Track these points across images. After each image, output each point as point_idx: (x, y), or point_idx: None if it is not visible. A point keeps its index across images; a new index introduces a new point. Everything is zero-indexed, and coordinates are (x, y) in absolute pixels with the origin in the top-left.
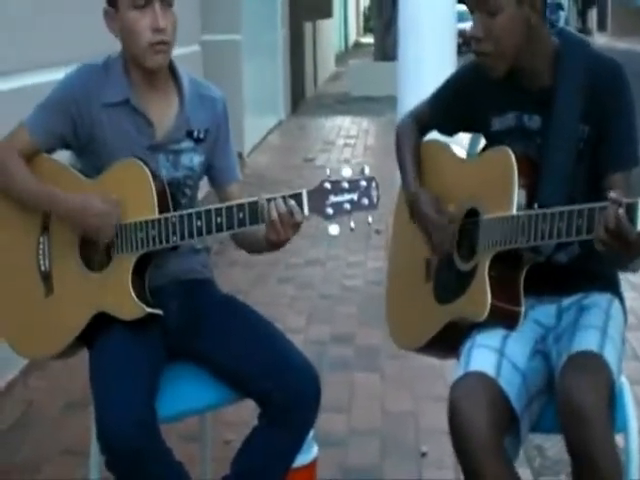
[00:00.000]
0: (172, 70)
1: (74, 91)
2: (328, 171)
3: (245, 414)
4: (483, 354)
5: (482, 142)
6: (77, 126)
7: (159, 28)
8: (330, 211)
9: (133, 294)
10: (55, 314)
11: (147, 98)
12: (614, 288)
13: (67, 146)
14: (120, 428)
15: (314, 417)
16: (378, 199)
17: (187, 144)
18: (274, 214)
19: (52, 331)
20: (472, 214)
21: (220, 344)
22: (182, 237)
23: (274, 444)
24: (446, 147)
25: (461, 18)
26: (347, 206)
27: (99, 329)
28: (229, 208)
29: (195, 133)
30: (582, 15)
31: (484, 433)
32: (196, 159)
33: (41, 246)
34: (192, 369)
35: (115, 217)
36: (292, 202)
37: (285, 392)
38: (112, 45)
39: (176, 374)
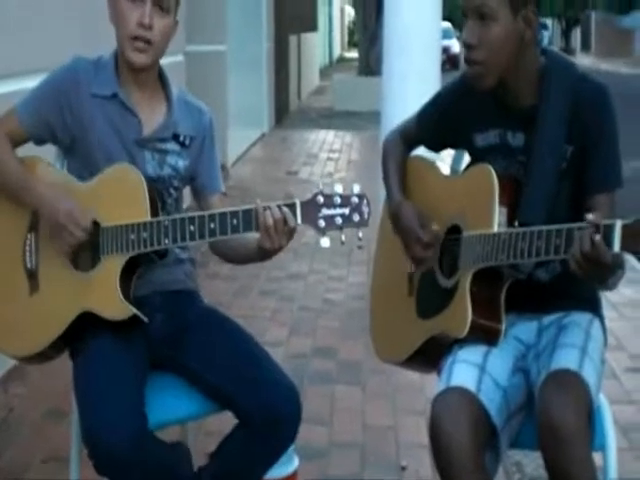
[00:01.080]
0: (161, 77)
1: (65, 81)
2: (321, 185)
3: (227, 424)
4: (464, 369)
5: (466, 159)
6: (65, 113)
7: (144, 23)
8: (322, 223)
9: (120, 294)
10: (39, 312)
11: (135, 96)
12: (595, 308)
13: (55, 137)
14: (115, 439)
15: (293, 435)
16: (369, 216)
17: (173, 146)
18: (270, 221)
19: (35, 329)
20: (454, 231)
21: (203, 357)
22: (174, 240)
23: (251, 455)
24: (430, 164)
25: (445, 35)
26: (339, 220)
27: (83, 334)
28: (223, 214)
29: (181, 137)
30: (566, 35)
31: (465, 448)
32: (181, 162)
33: (28, 243)
34: (174, 379)
35: (87, 223)
36: (286, 209)
37: (265, 411)
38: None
39: (158, 384)
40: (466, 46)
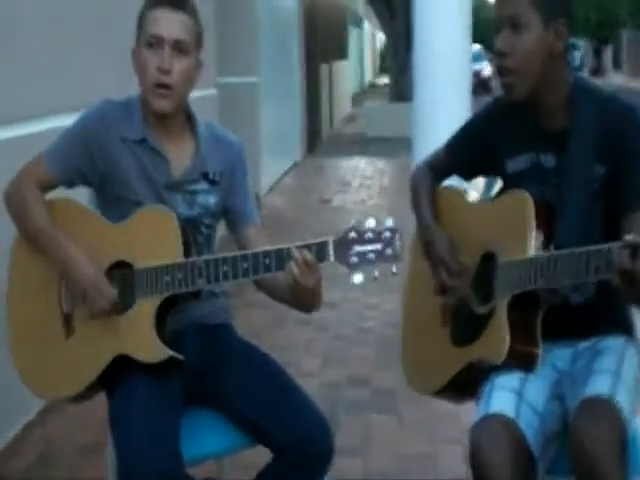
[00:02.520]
0: (188, 115)
1: (94, 123)
2: (353, 221)
3: (263, 458)
4: (502, 396)
5: (498, 185)
6: (95, 159)
7: (163, 69)
8: (355, 260)
9: (156, 337)
10: (75, 356)
11: (163, 139)
12: (629, 331)
13: (85, 179)
14: (149, 475)
15: (325, 470)
16: (402, 250)
17: (202, 185)
18: (292, 264)
19: (71, 372)
20: (488, 257)
21: (237, 392)
22: (208, 281)
23: None
24: (460, 192)
25: (476, 59)
26: (371, 256)
27: (118, 374)
28: (255, 254)
29: (210, 175)
30: (597, 54)
31: (506, 476)
32: (211, 200)
33: (63, 286)
34: (208, 413)
35: (105, 294)
36: (305, 251)
37: (298, 445)
38: (122, 93)
39: (193, 418)
40: (499, 54)
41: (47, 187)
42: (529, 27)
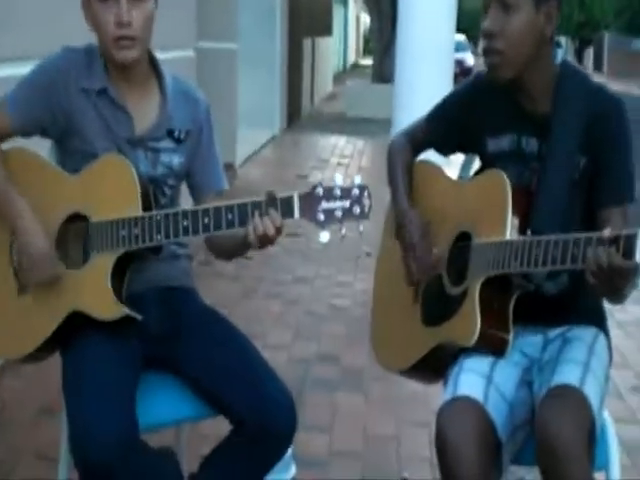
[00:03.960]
0: (154, 66)
1: (53, 72)
2: (320, 177)
3: (222, 428)
4: (471, 379)
5: (476, 164)
6: (55, 108)
7: (122, 22)
8: (321, 217)
9: (112, 293)
10: (28, 312)
11: (126, 91)
12: (600, 322)
13: (44, 132)
14: (102, 444)
15: (287, 445)
16: (370, 208)
17: (167, 144)
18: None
19: (24, 330)
20: (463, 237)
21: (198, 361)
22: (167, 236)
23: (242, 462)
24: (438, 168)
25: (459, 48)
26: (339, 213)
27: (73, 333)
28: (217, 209)
29: (176, 133)
30: (579, 55)
31: (472, 462)
32: (175, 159)
33: (15, 242)
34: (169, 379)
35: (49, 269)
36: (272, 210)
37: (259, 419)
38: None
39: (152, 384)
40: (486, 35)
41: (4, 136)
42: (519, 8)
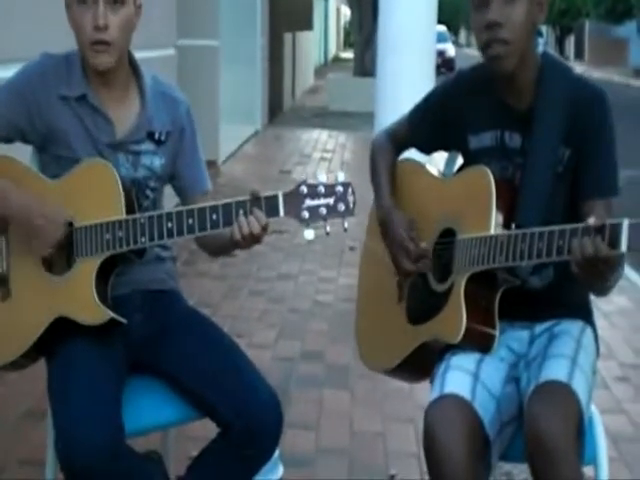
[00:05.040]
0: (133, 68)
1: (32, 79)
2: (304, 176)
3: (210, 429)
4: (458, 376)
5: (459, 162)
6: (34, 116)
7: (98, 26)
8: (306, 215)
9: (96, 297)
10: (12, 319)
11: (105, 96)
12: (586, 316)
13: (25, 138)
14: (88, 449)
15: (273, 446)
16: (354, 204)
17: (147, 146)
18: (242, 221)
19: (8, 337)
20: (447, 234)
21: (183, 363)
22: (151, 238)
23: (229, 465)
24: (421, 166)
25: (440, 39)
26: (323, 210)
27: (58, 339)
28: (202, 209)
29: (156, 135)
30: (560, 43)
31: (460, 460)
32: (157, 161)
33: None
34: (154, 383)
35: (62, 220)
36: (255, 209)
37: (245, 421)
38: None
39: (138, 389)
40: (491, 25)
41: None
42: None
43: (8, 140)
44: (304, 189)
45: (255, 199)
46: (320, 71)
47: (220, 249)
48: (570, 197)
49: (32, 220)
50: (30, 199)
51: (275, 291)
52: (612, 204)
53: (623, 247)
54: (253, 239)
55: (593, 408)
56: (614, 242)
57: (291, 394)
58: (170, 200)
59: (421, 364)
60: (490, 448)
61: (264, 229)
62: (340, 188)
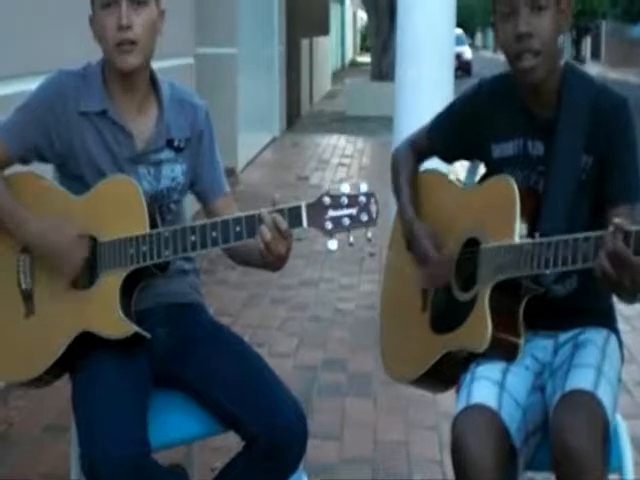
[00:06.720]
0: (151, 77)
1: (50, 97)
2: (327, 186)
3: (233, 440)
4: (484, 386)
5: (481, 171)
6: (53, 134)
7: (122, 25)
8: (329, 225)
9: (121, 312)
10: (36, 335)
11: (125, 109)
12: (611, 324)
13: (42, 158)
14: (114, 465)
15: (298, 459)
16: (377, 214)
17: (167, 154)
18: (264, 230)
19: (31, 353)
20: (471, 243)
21: (208, 377)
22: (175, 252)
23: (254, 479)
24: (443, 176)
25: (457, 42)
26: (346, 221)
27: (82, 354)
28: (225, 222)
29: (175, 142)
30: (576, 44)
31: (489, 470)
32: (178, 169)
33: (22, 263)
34: (178, 397)
35: (84, 240)
36: (276, 214)
37: (270, 434)
38: (90, 57)
39: (162, 403)
40: (523, 36)
41: (3, 164)
42: (548, 6)
43: (24, 161)
44: (327, 200)
45: (278, 210)
46: (337, 76)
47: (252, 263)
48: (594, 205)
49: (50, 251)
50: (48, 227)
51: (296, 299)
52: (637, 209)
53: None
54: (276, 247)
55: (618, 417)
56: (639, 249)
57: (313, 403)
58: (190, 208)
59: (445, 374)
60: (517, 458)
61: (285, 237)
62: (363, 198)
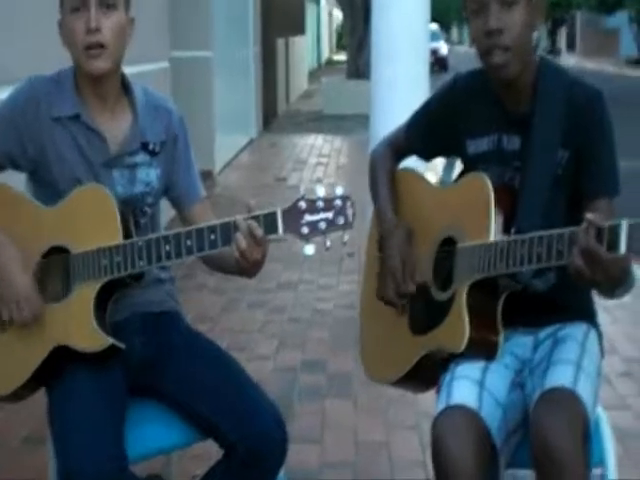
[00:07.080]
0: (123, 82)
1: (22, 104)
2: (302, 190)
3: (212, 448)
4: (464, 386)
5: (458, 168)
6: (25, 140)
7: (91, 28)
8: (305, 230)
9: (95, 324)
10: (11, 350)
11: (98, 113)
12: (590, 318)
13: (16, 165)
14: (91, 478)
15: (279, 467)
16: (354, 217)
17: (142, 157)
18: (239, 238)
19: (6, 369)
20: (448, 242)
21: (184, 385)
22: (149, 262)
23: None
24: (420, 175)
25: (433, 38)
26: (322, 225)
27: (57, 368)
28: (199, 230)
29: (150, 145)
30: (552, 35)
31: (470, 470)
32: (152, 173)
33: None
34: (155, 407)
35: (32, 309)
36: (250, 221)
37: (249, 441)
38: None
39: (139, 414)
40: (493, 32)
41: None
42: (518, 1)
43: (0, 168)
44: (303, 204)
45: (253, 217)
46: (313, 74)
47: (228, 270)
48: (571, 200)
49: (10, 292)
50: (17, 270)
51: (274, 302)
52: (614, 204)
53: (622, 249)
54: (251, 254)
55: (600, 410)
56: (613, 244)
57: (294, 406)
58: (165, 214)
59: (425, 375)
60: (498, 457)
61: (260, 244)
62: (339, 202)
